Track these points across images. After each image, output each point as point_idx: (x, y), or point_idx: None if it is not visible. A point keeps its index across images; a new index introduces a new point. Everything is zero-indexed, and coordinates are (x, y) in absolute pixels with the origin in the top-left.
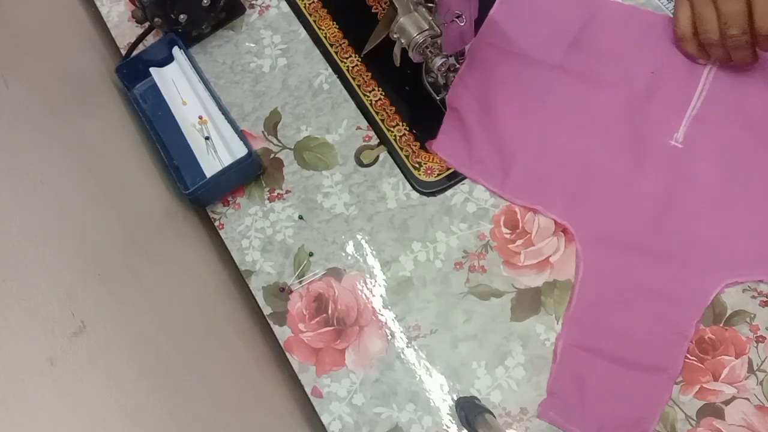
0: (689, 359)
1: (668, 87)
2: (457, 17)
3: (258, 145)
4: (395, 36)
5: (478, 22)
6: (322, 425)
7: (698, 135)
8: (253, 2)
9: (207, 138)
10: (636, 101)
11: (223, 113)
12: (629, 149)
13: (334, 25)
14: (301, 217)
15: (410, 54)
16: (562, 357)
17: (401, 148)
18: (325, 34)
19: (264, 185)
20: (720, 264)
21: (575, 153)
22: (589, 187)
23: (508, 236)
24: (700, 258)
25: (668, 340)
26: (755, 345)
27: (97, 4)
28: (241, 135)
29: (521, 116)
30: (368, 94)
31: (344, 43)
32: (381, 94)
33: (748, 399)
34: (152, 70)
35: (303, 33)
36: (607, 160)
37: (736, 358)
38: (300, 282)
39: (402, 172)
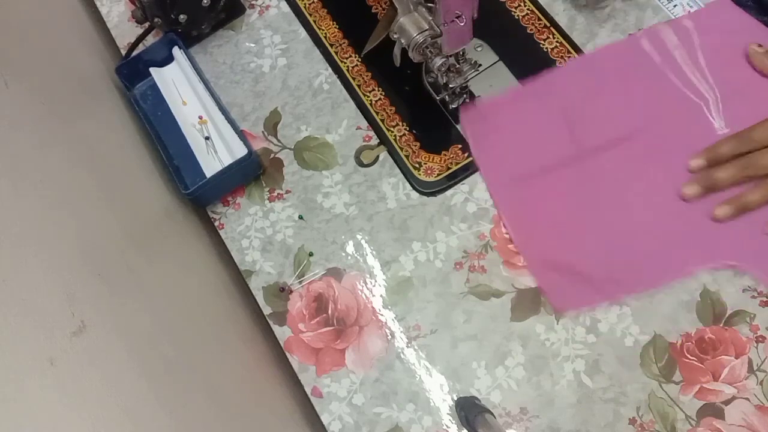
0: (689, 359)
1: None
2: (457, 17)
3: (258, 145)
4: (395, 36)
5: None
6: (322, 425)
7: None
8: (253, 2)
9: (207, 138)
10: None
11: (223, 113)
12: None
13: (334, 25)
14: (301, 217)
15: (410, 54)
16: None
17: (401, 148)
18: (325, 34)
19: (264, 185)
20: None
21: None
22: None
23: (508, 236)
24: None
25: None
26: (755, 345)
27: (97, 4)
28: (241, 135)
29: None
30: (368, 94)
31: (344, 43)
32: (381, 94)
33: (748, 399)
34: (152, 70)
35: (303, 33)
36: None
37: (736, 358)
38: (300, 282)
39: (402, 172)
